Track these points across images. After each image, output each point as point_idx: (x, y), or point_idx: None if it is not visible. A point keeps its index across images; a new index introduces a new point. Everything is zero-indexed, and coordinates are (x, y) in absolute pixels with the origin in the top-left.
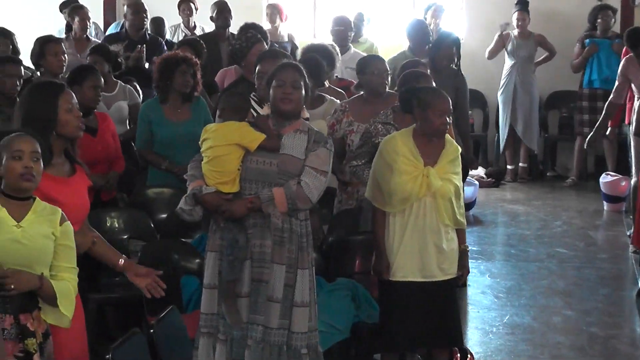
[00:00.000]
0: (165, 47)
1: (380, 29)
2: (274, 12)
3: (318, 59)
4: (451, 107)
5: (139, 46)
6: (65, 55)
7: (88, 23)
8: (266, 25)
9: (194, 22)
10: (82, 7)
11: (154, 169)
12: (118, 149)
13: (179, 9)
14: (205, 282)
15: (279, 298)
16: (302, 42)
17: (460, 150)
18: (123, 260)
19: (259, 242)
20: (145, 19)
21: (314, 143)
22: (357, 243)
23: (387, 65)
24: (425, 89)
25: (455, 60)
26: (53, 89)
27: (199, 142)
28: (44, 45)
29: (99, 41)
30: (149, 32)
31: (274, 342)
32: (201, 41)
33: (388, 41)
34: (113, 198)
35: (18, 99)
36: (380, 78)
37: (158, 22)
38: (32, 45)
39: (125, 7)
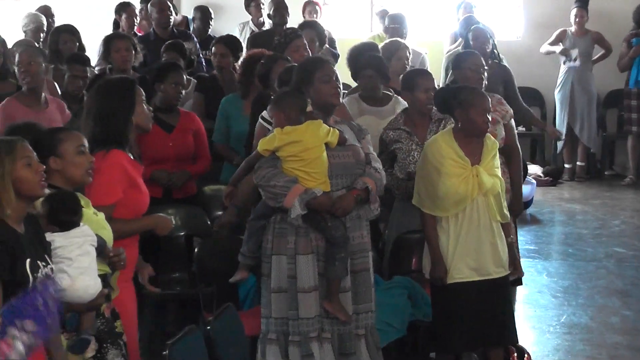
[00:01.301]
0: (197, 42)
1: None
2: (313, 8)
3: (382, 57)
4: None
5: (192, 43)
6: (131, 50)
7: (135, 20)
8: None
9: (263, 19)
10: (129, 5)
11: (228, 165)
12: (202, 148)
13: (247, 6)
14: (274, 286)
15: (373, 283)
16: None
17: (497, 144)
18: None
19: (357, 233)
20: (171, 17)
21: (359, 131)
22: (414, 241)
23: (483, 61)
24: (463, 88)
25: (495, 52)
26: (127, 82)
27: (270, 147)
28: (110, 42)
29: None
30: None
31: (373, 325)
32: (237, 39)
33: (428, 36)
34: (194, 195)
35: (85, 97)
36: (478, 74)
37: (204, 12)
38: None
39: (149, 6)
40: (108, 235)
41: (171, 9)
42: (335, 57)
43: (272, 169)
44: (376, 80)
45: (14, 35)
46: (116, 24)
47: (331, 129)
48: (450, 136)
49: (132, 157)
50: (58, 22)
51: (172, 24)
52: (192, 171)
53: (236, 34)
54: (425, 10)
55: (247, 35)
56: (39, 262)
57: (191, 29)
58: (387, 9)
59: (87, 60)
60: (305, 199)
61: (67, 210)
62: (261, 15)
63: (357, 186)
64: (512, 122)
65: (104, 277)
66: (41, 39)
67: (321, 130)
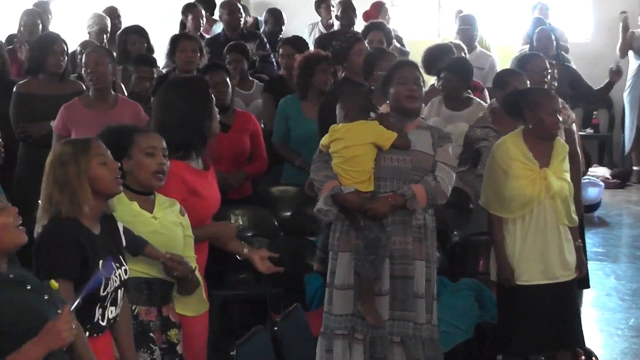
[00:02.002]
0: (267, 44)
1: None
2: (385, 10)
3: (467, 60)
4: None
5: (253, 44)
6: (197, 52)
7: (201, 21)
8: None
9: (332, 21)
10: (195, 5)
11: (288, 166)
12: (258, 149)
13: (317, 8)
14: (338, 283)
15: (423, 293)
16: (426, 42)
17: (567, 148)
18: (247, 249)
19: (400, 239)
20: (241, 18)
21: (439, 139)
22: (482, 243)
23: (547, 64)
24: (532, 90)
25: (561, 54)
26: (199, 84)
27: (324, 142)
28: (176, 42)
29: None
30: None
31: (425, 336)
32: (304, 40)
33: (500, 39)
34: (250, 196)
35: (152, 97)
36: (541, 76)
37: (276, 14)
38: (161, 45)
39: (219, 7)
40: (162, 240)
41: (241, 10)
42: (405, 54)
43: (322, 163)
44: (457, 84)
45: (80, 35)
46: (183, 25)
47: (388, 131)
48: (520, 138)
49: (196, 165)
50: (125, 23)
51: (242, 25)
52: (247, 172)
53: (305, 35)
54: (499, 12)
55: (316, 36)
56: (112, 263)
57: (261, 30)
58: (462, 9)
59: (154, 61)
60: (329, 194)
61: None
62: (331, 17)
63: (402, 191)
64: (574, 126)
65: (148, 282)
66: (105, 40)
67: (369, 131)
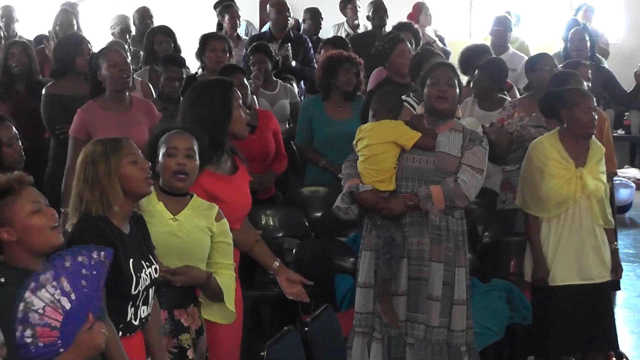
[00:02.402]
0: (310, 45)
1: (532, 27)
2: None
3: (502, 62)
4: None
5: (286, 45)
6: (227, 52)
7: (238, 21)
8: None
9: (358, 22)
10: (232, 5)
11: (312, 167)
12: (280, 148)
13: (343, 8)
14: (360, 281)
15: (439, 296)
16: (456, 43)
17: (604, 149)
18: (277, 263)
19: (416, 240)
20: (289, 18)
21: (470, 141)
22: (513, 244)
23: (555, 62)
24: (567, 89)
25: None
26: (224, 85)
27: (354, 142)
28: (206, 41)
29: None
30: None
31: (436, 340)
32: (346, 40)
33: (540, 40)
34: (272, 196)
35: (181, 97)
36: (551, 73)
37: (314, 13)
38: (188, 45)
39: (268, 6)
40: (178, 242)
41: (290, 10)
42: (447, 54)
43: (350, 162)
44: (489, 84)
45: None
46: (219, 25)
47: (411, 131)
48: (556, 137)
49: (221, 169)
50: (157, 23)
51: (289, 25)
52: (278, 172)
53: (331, 35)
54: (542, 13)
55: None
56: (142, 262)
57: (301, 30)
58: (512, 11)
59: (183, 61)
60: (346, 192)
61: None
62: (357, 18)
63: (419, 192)
64: (607, 125)
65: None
66: (129, 40)
67: (391, 130)
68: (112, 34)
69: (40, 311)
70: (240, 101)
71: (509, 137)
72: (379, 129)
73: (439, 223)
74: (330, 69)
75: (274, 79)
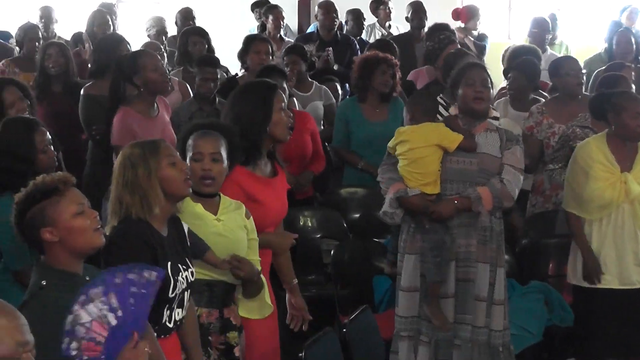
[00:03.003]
0: (358, 47)
1: (575, 29)
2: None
3: (535, 62)
4: None
5: (328, 49)
6: (269, 55)
7: (282, 23)
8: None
9: (390, 23)
10: (276, 7)
11: (349, 168)
12: (318, 149)
13: (374, 10)
14: (404, 285)
15: (485, 297)
16: (495, 44)
17: None
18: (295, 282)
19: (464, 241)
20: (336, 20)
21: (508, 141)
22: (552, 246)
23: (580, 65)
24: (616, 92)
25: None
26: (266, 87)
27: (390, 145)
28: (250, 43)
29: (292, 41)
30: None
31: (481, 340)
32: (393, 42)
33: (582, 42)
34: (310, 197)
35: (217, 98)
36: (577, 78)
37: (357, 14)
38: (222, 45)
39: (316, 7)
40: (225, 242)
41: (337, 12)
42: (481, 49)
43: (388, 166)
44: (524, 84)
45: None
46: (262, 26)
47: (453, 133)
48: (603, 140)
49: (261, 172)
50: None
51: (336, 26)
52: (313, 171)
53: (363, 36)
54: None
55: (376, 38)
56: (180, 265)
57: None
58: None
59: (217, 61)
60: (394, 197)
61: None
62: (390, 19)
63: (467, 194)
64: None
65: (209, 284)
66: (165, 42)
67: (434, 132)
68: (148, 35)
69: (87, 325)
70: (284, 104)
71: (539, 144)
72: (421, 132)
73: (488, 224)
74: (366, 71)
75: (310, 80)
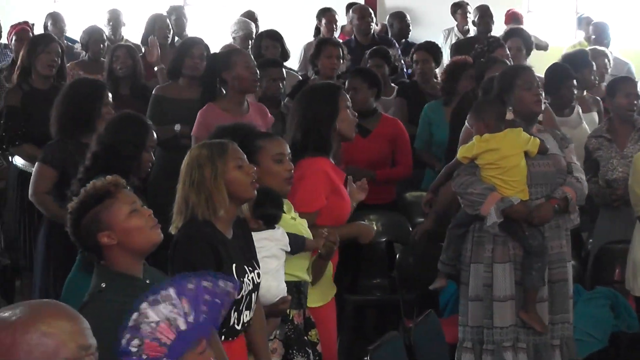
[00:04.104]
0: (398, 48)
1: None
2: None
3: (564, 66)
4: None
5: (396, 49)
6: (341, 59)
7: (335, 26)
8: None
9: (468, 27)
10: (329, 10)
11: (430, 171)
12: (402, 155)
13: (454, 13)
14: (499, 295)
15: (572, 294)
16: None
17: None
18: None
19: (555, 243)
20: (371, 23)
21: (562, 140)
22: (617, 251)
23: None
24: None
25: None
26: (331, 87)
27: (468, 154)
28: (321, 46)
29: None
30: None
31: (569, 336)
32: (438, 45)
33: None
34: (391, 202)
35: (282, 102)
36: (631, 103)
37: (401, 18)
38: (297, 49)
39: (350, 12)
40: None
41: (372, 15)
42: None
43: (471, 177)
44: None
45: (220, 40)
46: (317, 30)
47: (531, 137)
48: None
49: (334, 164)
50: (262, 27)
51: (372, 30)
52: (388, 175)
53: (440, 40)
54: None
55: (452, 42)
56: (246, 266)
57: (389, 35)
58: (590, 16)
59: (280, 61)
60: (502, 207)
61: (272, 203)
62: (467, 23)
63: (556, 195)
64: None
65: (297, 285)
66: (250, 46)
67: (520, 138)
68: (234, 38)
69: (153, 325)
70: (349, 103)
71: None
72: (509, 139)
73: (578, 223)
74: (453, 75)
75: (392, 84)
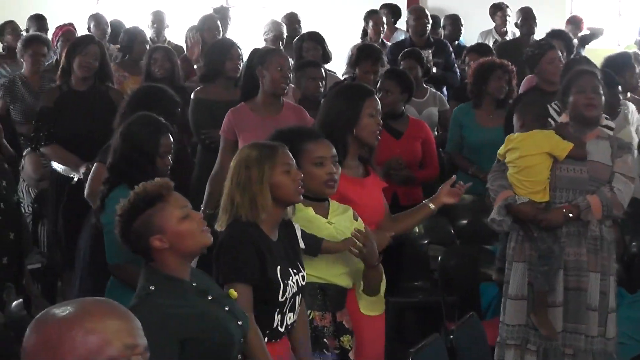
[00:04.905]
0: (452, 51)
1: None
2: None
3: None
4: None
5: (430, 51)
6: (379, 67)
7: (382, 29)
8: None
9: (506, 29)
10: (376, 12)
11: (461, 174)
12: (430, 157)
13: (492, 15)
14: (512, 293)
15: (596, 306)
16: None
17: None
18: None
19: (574, 250)
20: (427, 24)
21: (619, 149)
22: None
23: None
24: None
25: None
26: (360, 91)
27: (501, 152)
28: (362, 51)
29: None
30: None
31: (596, 350)
32: (490, 47)
33: None
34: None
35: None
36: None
37: (454, 20)
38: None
39: (407, 13)
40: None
41: (428, 17)
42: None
43: (498, 173)
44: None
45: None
46: (364, 32)
47: (564, 141)
48: None
49: (353, 173)
50: (305, 28)
51: (428, 31)
52: (419, 177)
53: (478, 41)
54: None
55: (490, 44)
56: (290, 269)
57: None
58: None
59: (319, 62)
60: (503, 204)
61: None
62: (505, 25)
63: (577, 202)
64: None
65: (322, 287)
66: (281, 47)
67: (545, 141)
68: (265, 40)
69: None
70: (376, 110)
71: None
72: (531, 140)
73: (598, 233)
74: (482, 76)
75: (425, 86)
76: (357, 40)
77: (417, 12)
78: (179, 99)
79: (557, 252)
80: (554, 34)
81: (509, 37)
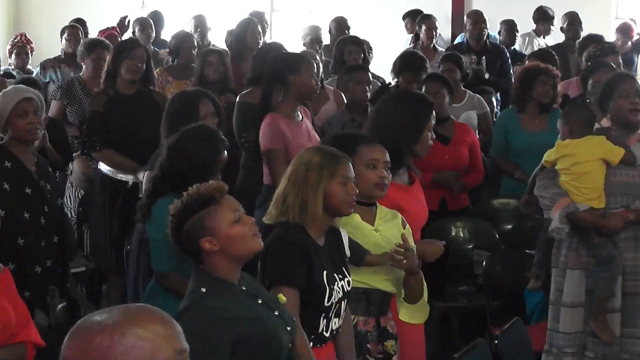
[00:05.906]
0: (508, 56)
1: None
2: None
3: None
4: None
5: (473, 56)
6: (424, 72)
7: (435, 33)
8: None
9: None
10: (429, 17)
11: (507, 178)
12: (477, 162)
13: (536, 20)
14: (567, 301)
15: None
16: None
17: None
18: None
19: (631, 255)
20: (485, 29)
21: None
22: None
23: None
24: None
25: None
26: (424, 105)
27: (549, 159)
28: (404, 58)
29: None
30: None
31: None
32: (552, 52)
33: None
34: (464, 208)
35: (369, 107)
36: None
37: (510, 24)
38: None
39: (465, 17)
40: (382, 252)
41: (486, 21)
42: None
43: (548, 180)
44: None
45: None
46: (416, 36)
47: (615, 146)
48: None
49: (400, 180)
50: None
51: (485, 36)
52: (466, 182)
53: (517, 45)
54: None
55: (532, 48)
56: (336, 274)
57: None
58: None
59: (366, 65)
60: (565, 213)
61: None
62: (549, 30)
63: (633, 207)
64: None
65: (366, 292)
66: (320, 50)
67: (599, 146)
68: (304, 43)
69: None
70: (433, 123)
71: None
72: (585, 146)
73: None
74: (527, 81)
75: (463, 89)
76: (401, 44)
77: (475, 17)
78: (221, 105)
79: (618, 258)
80: (590, 39)
81: (548, 40)
